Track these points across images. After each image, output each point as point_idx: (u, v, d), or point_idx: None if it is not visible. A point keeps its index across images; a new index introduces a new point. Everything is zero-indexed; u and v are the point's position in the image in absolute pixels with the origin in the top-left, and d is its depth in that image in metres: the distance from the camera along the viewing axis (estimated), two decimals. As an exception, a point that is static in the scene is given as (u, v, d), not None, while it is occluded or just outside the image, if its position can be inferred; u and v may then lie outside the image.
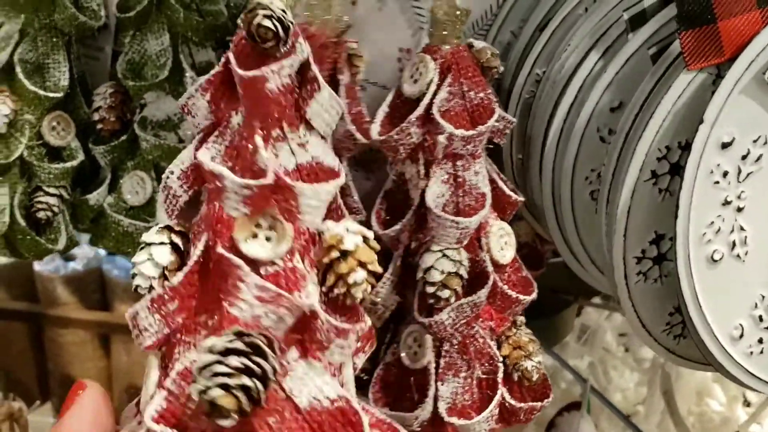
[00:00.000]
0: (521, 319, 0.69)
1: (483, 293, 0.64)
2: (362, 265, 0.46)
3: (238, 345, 0.40)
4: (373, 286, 0.48)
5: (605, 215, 0.65)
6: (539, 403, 0.66)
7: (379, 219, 0.67)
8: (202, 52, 0.78)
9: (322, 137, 0.49)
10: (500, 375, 0.65)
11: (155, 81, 0.75)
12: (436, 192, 0.65)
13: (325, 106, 0.49)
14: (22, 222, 0.74)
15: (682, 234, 0.59)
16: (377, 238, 0.66)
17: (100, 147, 0.76)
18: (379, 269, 0.47)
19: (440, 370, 0.64)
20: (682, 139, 0.61)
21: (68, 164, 0.75)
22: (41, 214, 0.75)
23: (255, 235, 0.45)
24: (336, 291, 0.46)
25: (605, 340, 1.40)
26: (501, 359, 0.66)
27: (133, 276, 0.47)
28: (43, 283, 2.00)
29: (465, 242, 0.65)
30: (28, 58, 0.75)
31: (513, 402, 0.64)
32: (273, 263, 0.45)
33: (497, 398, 0.63)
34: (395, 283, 0.66)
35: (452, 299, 0.63)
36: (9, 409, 1.68)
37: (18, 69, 0.73)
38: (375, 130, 0.65)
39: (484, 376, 0.66)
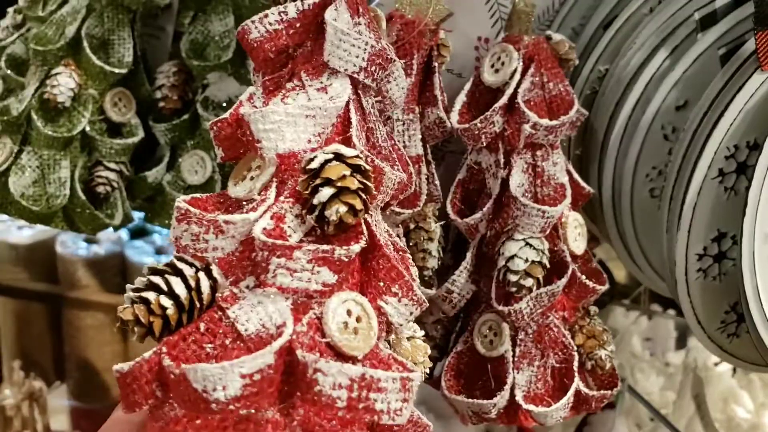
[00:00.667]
0: (594, 308, 0.69)
1: (562, 283, 0.64)
2: (330, 182, 0.43)
3: (164, 268, 0.43)
4: (364, 208, 0.44)
5: (667, 212, 0.66)
6: (609, 392, 0.66)
7: (455, 208, 0.67)
8: (264, 35, 0.78)
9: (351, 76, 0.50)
10: (575, 364, 0.65)
11: (219, 62, 0.75)
12: (517, 181, 0.65)
13: (336, 43, 0.49)
14: (81, 195, 0.74)
15: (748, 232, 0.60)
16: (447, 224, 0.67)
17: (161, 125, 0.77)
18: (355, 185, 0.44)
19: (515, 359, 0.64)
20: (750, 139, 0.61)
21: (130, 140, 0.76)
22: (101, 189, 0.75)
23: (243, 178, 0.47)
24: (313, 217, 0.44)
25: (632, 343, 1.41)
26: (575, 348, 0.66)
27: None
28: (65, 265, 2.01)
29: (548, 231, 0.65)
30: (94, 33, 0.75)
31: (586, 390, 0.65)
32: (251, 200, 0.46)
33: (574, 386, 0.64)
34: (471, 272, 0.67)
35: (534, 288, 0.63)
36: (30, 388, 1.68)
37: (85, 43, 0.74)
38: (454, 118, 0.65)
39: (557, 365, 0.66)
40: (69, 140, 0.74)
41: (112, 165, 0.76)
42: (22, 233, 2.00)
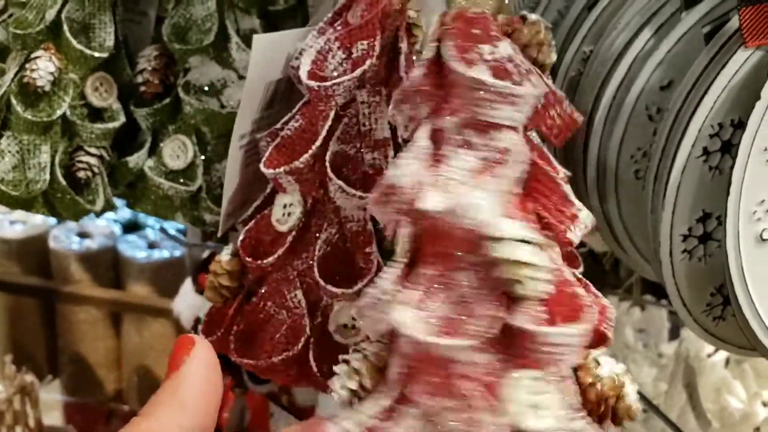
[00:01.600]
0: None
1: None
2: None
3: None
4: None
5: (652, 192, 0.65)
6: None
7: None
8: (246, 19, 0.78)
9: None
10: None
11: (200, 45, 0.74)
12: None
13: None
14: (62, 181, 0.74)
15: (733, 212, 0.59)
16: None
17: (142, 109, 0.76)
18: None
19: None
20: (735, 117, 0.60)
21: (110, 125, 0.75)
22: (81, 174, 0.74)
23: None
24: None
25: (624, 334, 1.40)
26: None
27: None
28: (58, 260, 2.01)
29: None
30: (75, 17, 0.74)
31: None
32: None
33: None
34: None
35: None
36: (21, 382, 1.68)
37: (65, 27, 0.73)
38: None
39: None
40: (49, 125, 0.73)
41: (92, 150, 0.75)
42: (15, 228, 2.01)
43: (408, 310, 0.45)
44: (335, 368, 0.49)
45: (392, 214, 0.50)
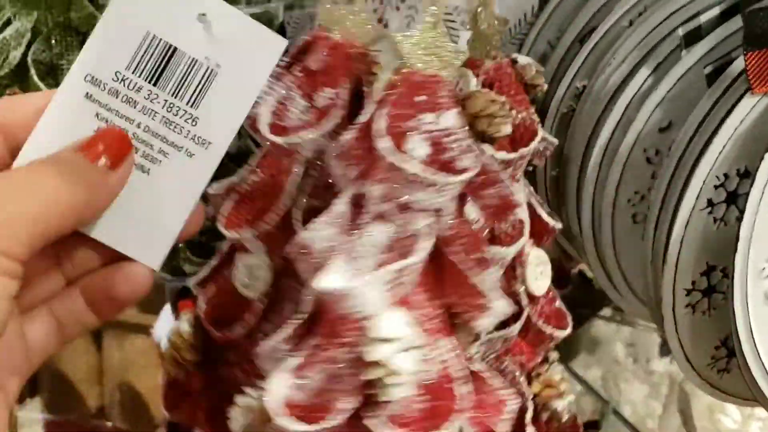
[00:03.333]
0: (554, 355, 0.64)
1: (515, 328, 0.58)
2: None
3: None
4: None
5: (652, 242, 0.62)
6: None
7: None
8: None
9: None
10: (529, 414, 0.61)
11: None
12: (471, 216, 0.60)
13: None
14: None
15: (741, 269, 0.56)
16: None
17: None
18: None
19: None
20: (741, 166, 0.57)
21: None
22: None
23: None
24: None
25: (614, 351, 1.38)
26: (531, 397, 0.62)
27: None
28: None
29: (501, 272, 0.59)
30: (41, 58, 0.71)
31: (540, 441, 0.61)
32: None
33: None
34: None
35: (484, 333, 0.59)
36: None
37: (32, 70, 0.69)
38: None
39: None
40: (14, 173, 0.70)
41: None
42: None
43: (285, 377, 0.49)
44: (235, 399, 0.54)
45: (303, 272, 0.52)
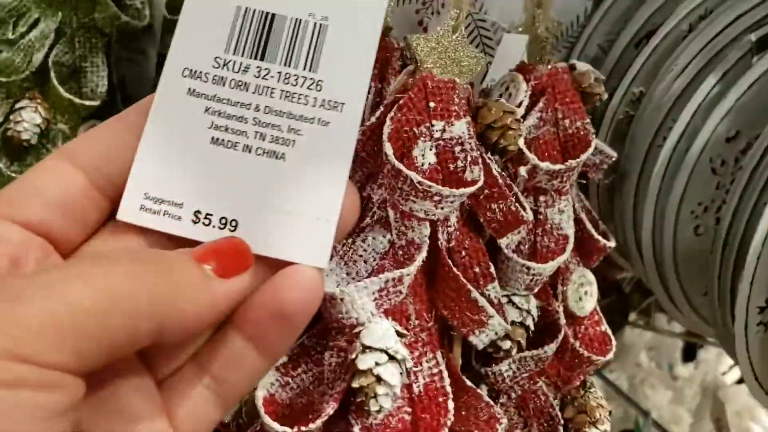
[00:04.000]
0: (592, 380, 0.61)
1: (550, 348, 0.56)
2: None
3: None
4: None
5: (720, 257, 0.58)
6: None
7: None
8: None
9: None
10: None
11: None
12: (490, 229, 0.57)
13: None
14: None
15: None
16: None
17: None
18: None
19: None
20: (820, 180, 0.54)
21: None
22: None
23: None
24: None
25: (638, 356, 1.35)
26: (562, 422, 0.58)
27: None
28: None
29: (536, 289, 0.56)
30: (64, 60, 0.66)
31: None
32: None
33: None
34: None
35: (513, 351, 0.55)
36: None
37: (52, 73, 0.65)
38: None
39: None
40: (37, 183, 0.66)
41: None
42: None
43: (272, 375, 0.48)
44: None
45: None
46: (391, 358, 0.46)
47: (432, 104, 0.50)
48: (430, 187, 0.47)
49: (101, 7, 0.66)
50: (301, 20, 0.44)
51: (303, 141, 0.42)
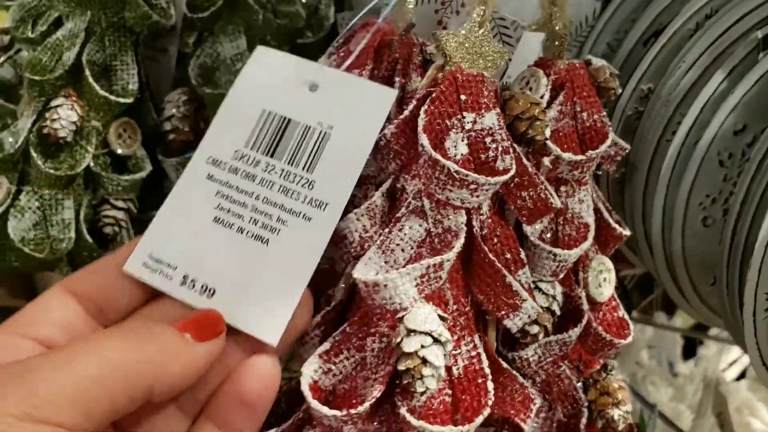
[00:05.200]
0: (613, 363, 0.63)
1: (574, 333, 0.58)
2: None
3: None
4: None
5: (729, 246, 0.61)
6: None
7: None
8: (277, 56, 0.72)
9: None
10: (583, 421, 0.60)
11: (233, 88, 0.69)
12: (520, 215, 0.59)
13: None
14: (89, 239, 0.68)
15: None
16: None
17: (172, 159, 0.70)
18: None
19: None
20: (826, 170, 0.57)
21: (137, 175, 0.70)
22: (108, 229, 0.69)
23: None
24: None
25: (638, 354, 1.37)
26: (586, 404, 0.61)
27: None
28: (45, 282, 1.93)
29: (561, 275, 0.59)
30: (95, 59, 0.69)
31: (594, 448, 0.60)
32: None
33: None
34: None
35: (540, 336, 0.57)
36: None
37: (87, 71, 0.67)
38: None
39: (564, 419, 0.61)
40: (72, 178, 0.68)
41: (119, 203, 0.69)
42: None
43: (315, 362, 0.50)
44: None
45: (338, 260, 0.53)
46: (435, 340, 0.49)
47: (463, 97, 0.52)
48: (466, 176, 0.50)
49: (131, 6, 0.69)
50: (310, 127, 0.52)
51: (286, 231, 0.50)
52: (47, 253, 0.67)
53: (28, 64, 0.69)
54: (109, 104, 0.68)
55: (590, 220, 0.60)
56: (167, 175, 0.73)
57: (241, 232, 0.50)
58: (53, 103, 0.67)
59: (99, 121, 0.69)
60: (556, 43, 0.61)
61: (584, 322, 0.59)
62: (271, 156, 0.52)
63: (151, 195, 0.73)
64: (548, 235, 0.59)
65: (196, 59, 0.72)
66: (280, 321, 0.48)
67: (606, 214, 0.62)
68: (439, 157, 0.50)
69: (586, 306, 0.59)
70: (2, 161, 0.68)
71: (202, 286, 0.49)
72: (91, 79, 0.68)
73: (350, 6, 0.78)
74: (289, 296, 0.48)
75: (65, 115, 0.66)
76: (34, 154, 0.67)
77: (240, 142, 0.52)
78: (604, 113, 0.61)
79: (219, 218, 0.51)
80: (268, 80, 0.54)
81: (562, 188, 0.60)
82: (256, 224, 0.50)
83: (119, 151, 0.70)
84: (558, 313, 0.58)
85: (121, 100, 0.68)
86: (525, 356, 0.57)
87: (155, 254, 0.50)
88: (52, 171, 0.67)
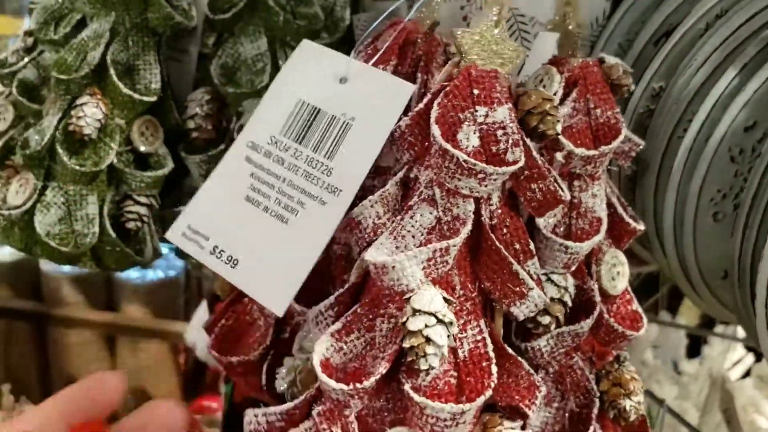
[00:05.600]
0: (625, 354, 0.64)
1: (587, 324, 0.59)
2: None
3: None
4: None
5: (741, 240, 0.63)
6: None
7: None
8: (295, 55, 0.74)
9: None
10: (595, 411, 0.61)
11: (256, 88, 0.71)
12: (529, 207, 0.61)
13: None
14: (112, 233, 0.70)
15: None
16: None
17: (195, 156, 0.72)
18: None
19: None
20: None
21: (160, 172, 0.71)
22: (131, 225, 0.71)
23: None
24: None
25: (642, 352, 1.39)
26: (598, 394, 0.62)
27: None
28: (49, 283, 1.95)
29: (573, 268, 0.60)
30: (119, 59, 0.70)
31: (604, 437, 0.61)
32: None
33: None
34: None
35: (552, 326, 0.58)
36: (19, 413, 1.62)
37: (112, 71, 0.69)
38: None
39: (577, 410, 0.62)
40: (96, 174, 0.69)
41: (142, 199, 0.71)
42: (4, 251, 1.94)
43: (327, 340, 0.53)
44: (284, 361, 0.59)
45: (353, 244, 0.56)
46: (439, 321, 0.51)
47: (476, 91, 0.54)
48: (474, 165, 0.52)
49: (154, 7, 0.70)
50: (335, 117, 0.56)
51: (303, 213, 0.55)
52: (72, 246, 0.68)
53: (54, 64, 0.70)
54: (132, 102, 0.70)
55: (603, 214, 0.61)
56: (188, 171, 0.75)
57: (266, 211, 0.55)
58: (79, 101, 0.69)
59: (122, 119, 0.70)
60: (570, 41, 0.63)
61: (596, 313, 0.60)
62: (300, 143, 0.56)
63: (170, 191, 0.75)
64: (561, 229, 0.61)
65: (218, 59, 0.73)
66: (287, 295, 0.53)
67: (620, 209, 0.63)
68: (448, 146, 0.52)
69: (598, 298, 0.61)
70: (29, 158, 0.70)
71: (228, 257, 0.55)
72: (115, 78, 0.69)
73: (363, 8, 0.80)
74: (297, 274, 0.53)
75: (90, 112, 0.68)
76: (60, 151, 0.68)
77: (276, 128, 0.57)
78: (617, 110, 0.62)
79: (250, 197, 0.56)
80: (306, 72, 0.58)
81: (575, 183, 0.61)
82: (279, 204, 0.55)
83: (142, 148, 0.71)
84: (570, 304, 0.60)
85: (145, 98, 0.70)
86: (537, 346, 0.59)
87: (193, 225, 0.56)
88: (77, 167, 0.68)
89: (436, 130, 0.53)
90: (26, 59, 0.78)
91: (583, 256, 0.60)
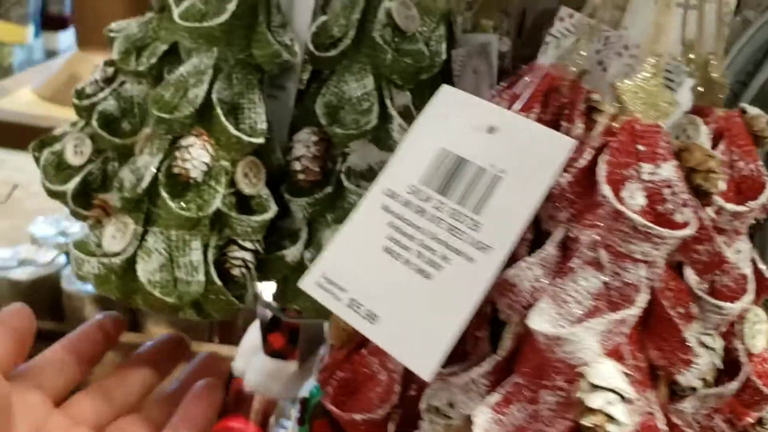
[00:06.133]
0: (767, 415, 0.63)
1: (733, 386, 0.57)
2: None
3: None
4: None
5: None
6: None
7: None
8: (400, 95, 0.71)
9: None
10: None
11: (365, 129, 0.68)
12: (693, 269, 0.59)
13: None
14: (218, 281, 0.66)
15: None
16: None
17: (301, 199, 0.69)
18: None
19: None
20: None
21: (267, 216, 0.68)
22: (236, 271, 0.67)
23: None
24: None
25: None
26: None
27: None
28: (71, 302, 1.91)
29: (724, 329, 0.58)
30: (223, 97, 0.67)
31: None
32: None
33: None
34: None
35: (701, 389, 0.57)
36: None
37: (218, 110, 0.66)
38: None
39: None
40: (200, 219, 0.66)
41: (247, 244, 0.68)
42: (25, 269, 1.91)
43: (487, 411, 0.51)
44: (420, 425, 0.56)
45: (505, 308, 0.53)
46: (621, 397, 0.48)
47: (640, 147, 0.52)
48: (651, 228, 0.49)
49: (260, 44, 0.67)
50: (483, 169, 0.52)
51: (449, 269, 0.51)
52: (174, 297, 0.65)
53: (153, 102, 0.67)
54: (240, 144, 0.67)
55: (748, 271, 0.59)
56: (285, 213, 0.71)
57: (407, 264, 0.52)
58: (184, 143, 0.66)
59: (228, 161, 0.67)
60: (714, 90, 0.61)
61: (743, 375, 0.58)
62: (442, 194, 0.53)
63: (269, 235, 0.72)
64: (704, 286, 0.58)
65: (322, 98, 0.70)
66: (435, 358, 0.49)
67: (761, 264, 0.61)
68: (623, 209, 0.50)
69: (744, 359, 0.59)
70: (127, 201, 0.67)
71: (366, 312, 0.51)
72: (223, 119, 0.66)
73: (457, 41, 0.77)
74: (445, 334, 0.50)
75: (197, 155, 0.65)
76: (164, 195, 0.65)
77: (415, 177, 0.54)
78: (761, 162, 0.60)
79: (389, 248, 0.53)
80: (449, 120, 0.55)
81: (720, 238, 0.59)
82: (421, 258, 0.52)
83: (246, 191, 0.68)
84: (721, 366, 0.57)
85: (254, 140, 0.67)
86: (682, 408, 0.57)
87: (328, 275, 0.53)
88: (183, 213, 0.65)
89: (608, 191, 0.50)
90: (107, 90, 0.75)
91: (734, 316, 0.57)
